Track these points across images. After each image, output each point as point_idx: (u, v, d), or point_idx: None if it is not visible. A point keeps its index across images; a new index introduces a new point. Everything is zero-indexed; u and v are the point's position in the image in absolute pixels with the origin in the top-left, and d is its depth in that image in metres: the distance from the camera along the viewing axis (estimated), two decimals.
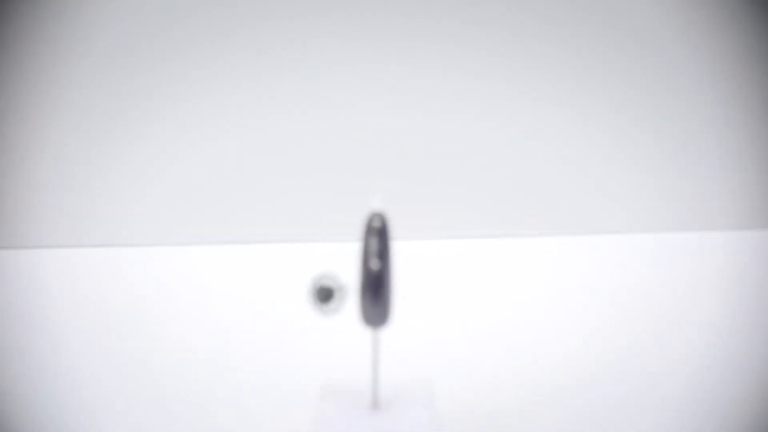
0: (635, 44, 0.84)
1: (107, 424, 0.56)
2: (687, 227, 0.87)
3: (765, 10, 0.84)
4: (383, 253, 0.32)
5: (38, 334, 0.69)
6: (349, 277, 0.36)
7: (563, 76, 0.85)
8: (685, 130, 0.86)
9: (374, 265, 0.31)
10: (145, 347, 0.67)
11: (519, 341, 0.67)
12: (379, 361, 0.36)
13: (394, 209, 0.56)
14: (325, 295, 0.32)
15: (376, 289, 0.31)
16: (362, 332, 0.39)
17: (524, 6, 0.84)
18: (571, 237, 0.85)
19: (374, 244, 0.31)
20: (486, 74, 0.84)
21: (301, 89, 0.85)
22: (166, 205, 0.87)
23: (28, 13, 0.84)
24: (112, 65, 0.85)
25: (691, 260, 0.81)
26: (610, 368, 0.61)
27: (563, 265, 0.82)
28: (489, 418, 0.58)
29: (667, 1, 0.83)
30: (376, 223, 0.32)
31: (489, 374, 0.63)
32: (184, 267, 0.84)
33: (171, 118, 0.86)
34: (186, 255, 0.85)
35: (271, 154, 0.87)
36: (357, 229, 0.55)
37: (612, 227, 0.87)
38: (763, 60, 0.85)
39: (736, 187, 0.87)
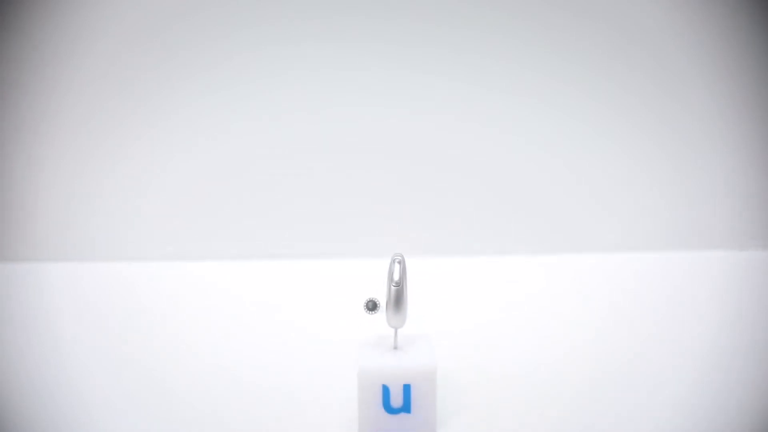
0: (642, 64, 0.84)
1: None
2: (686, 246, 0.88)
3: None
4: (402, 277, 0.58)
5: (43, 346, 0.70)
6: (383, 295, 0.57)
7: (567, 96, 0.85)
8: (687, 153, 0.87)
9: (395, 284, 0.56)
10: (150, 360, 0.68)
11: (513, 342, 0.71)
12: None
13: (407, 228, 0.70)
14: (373, 305, 0.58)
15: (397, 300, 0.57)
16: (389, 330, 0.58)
17: (527, 14, 0.83)
18: (573, 255, 0.88)
19: (398, 272, 0.57)
20: (491, 86, 0.85)
21: (315, 100, 0.85)
22: (169, 221, 0.88)
23: (28, 24, 0.82)
24: (118, 79, 0.84)
25: (689, 278, 0.83)
26: (608, 380, 0.64)
27: (564, 282, 0.83)
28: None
29: (675, 12, 0.83)
30: (398, 259, 0.58)
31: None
32: (188, 282, 0.84)
33: (178, 134, 0.86)
34: (190, 270, 0.86)
35: (276, 170, 0.87)
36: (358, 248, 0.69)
37: (614, 246, 0.88)
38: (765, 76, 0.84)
39: (735, 208, 0.87)
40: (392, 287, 0.56)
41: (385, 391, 0.57)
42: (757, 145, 0.86)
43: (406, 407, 0.58)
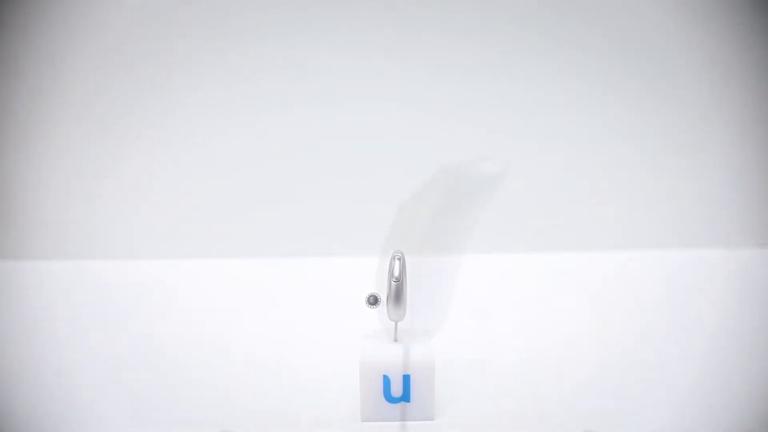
0: (645, 63, 0.84)
1: None
2: (686, 244, 0.87)
3: None
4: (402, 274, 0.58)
5: (42, 344, 0.70)
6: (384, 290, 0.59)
7: (567, 94, 0.85)
8: (689, 151, 0.87)
9: (396, 279, 0.58)
10: (150, 358, 0.68)
11: (505, 338, 0.72)
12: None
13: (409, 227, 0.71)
14: (374, 300, 0.59)
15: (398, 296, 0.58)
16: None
17: (528, 14, 0.83)
18: (572, 253, 0.87)
19: (398, 268, 0.58)
20: (490, 85, 0.85)
21: (315, 99, 0.85)
22: (169, 220, 0.87)
23: (26, 22, 0.81)
24: (117, 78, 0.84)
25: (689, 276, 0.83)
26: (607, 378, 0.65)
27: (563, 279, 0.84)
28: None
29: (676, 12, 0.83)
30: (398, 256, 0.59)
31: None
32: (188, 279, 0.84)
33: (177, 134, 0.86)
34: (190, 268, 0.86)
35: (276, 169, 0.87)
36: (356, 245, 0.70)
37: (614, 244, 0.88)
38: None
39: (739, 205, 0.87)
40: (392, 282, 0.58)
41: (386, 380, 0.60)
42: (758, 144, 0.87)
43: (405, 396, 0.60)
